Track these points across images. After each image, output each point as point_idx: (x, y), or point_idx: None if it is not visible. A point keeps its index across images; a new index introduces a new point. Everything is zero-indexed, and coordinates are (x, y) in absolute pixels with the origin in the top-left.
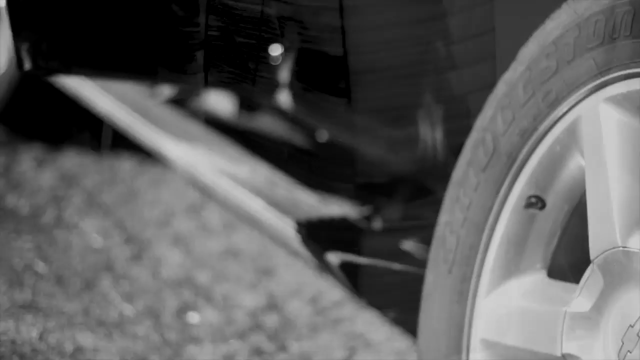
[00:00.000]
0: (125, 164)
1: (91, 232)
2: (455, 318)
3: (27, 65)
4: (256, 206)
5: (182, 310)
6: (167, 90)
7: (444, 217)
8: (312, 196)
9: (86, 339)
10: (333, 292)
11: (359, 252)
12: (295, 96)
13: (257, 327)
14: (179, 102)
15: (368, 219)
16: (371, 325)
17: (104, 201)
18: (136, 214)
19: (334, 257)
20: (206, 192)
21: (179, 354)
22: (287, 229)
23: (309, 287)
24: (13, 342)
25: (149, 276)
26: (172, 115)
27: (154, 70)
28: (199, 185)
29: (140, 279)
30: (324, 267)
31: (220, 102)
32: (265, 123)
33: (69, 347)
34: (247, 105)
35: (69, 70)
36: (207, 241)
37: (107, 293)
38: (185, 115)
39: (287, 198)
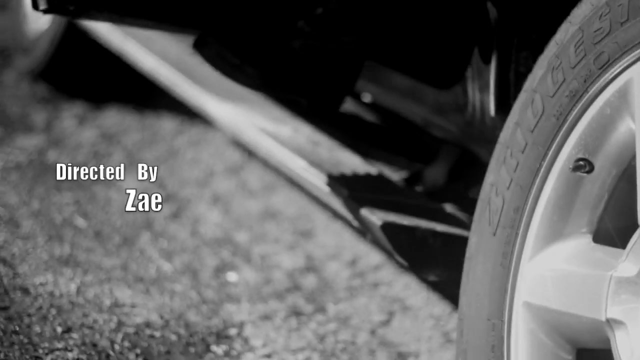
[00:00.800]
0: (166, 124)
1: (131, 189)
2: (498, 281)
3: (42, 5)
4: (298, 166)
5: (220, 269)
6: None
7: (489, 178)
8: (354, 156)
9: (124, 294)
10: (371, 255)
11: (400, 213)
12: None
13: (295, 288)
14: None
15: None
16: (409, 289)
17: (143, 160)
18: (176, 173)
19: (375, 218)
20: (248, 151)
21: (216, 312)
22: (329, 189)
23: (347, 250)
24: (51, 294)
25: (188, 234)
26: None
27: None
28: (241, 144)
29: (179, 237)
30: (365, 227)
31: None
32: None
33: (106, 302)
34: None
35: (87, 13)
36: (246, 201)
37: (145, 250)
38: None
39: (329, 158)
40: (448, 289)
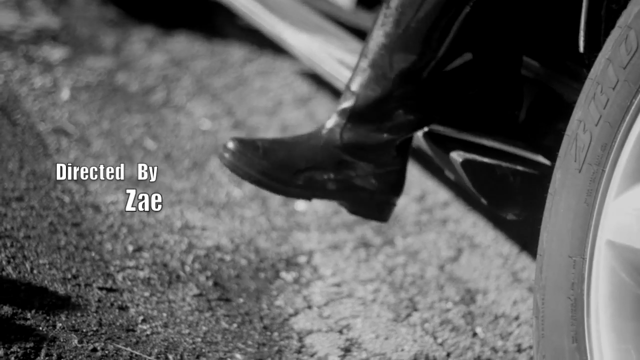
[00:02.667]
0: (234, 52)
1: (199, 114)
2: (581, 218)
3: None
4: None
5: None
6: None
7: (577, 114)
8: None
9: (194, 217)
10: (440, 192)
11: (481, 150)
12: None
13: (363, 220)
14: None
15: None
16: (477, 227)
17: (212, 86)
18: (244, 101)
19: (455, 154)
20: (317, 82)
21: (285, 240)
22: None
23: (415, 185)
24: (122, 214)
25: None
26: (294, 3)
27: None
28: (316, 73)
29: None
30: (445, 163)
31: None
32: None
33: (177, 224)
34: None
35: None
36: None
37: (215, 175)
38: (304, 3)
39: None
40: (515, 228)
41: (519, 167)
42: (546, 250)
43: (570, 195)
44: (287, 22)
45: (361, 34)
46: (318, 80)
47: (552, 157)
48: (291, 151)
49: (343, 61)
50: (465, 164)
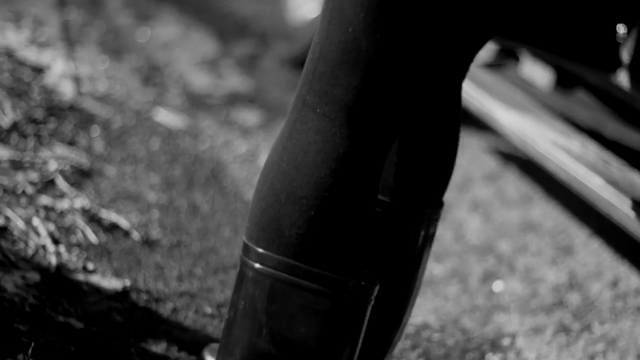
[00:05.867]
0: None
1: None
2: None
3: None
4: (593, 183)
5: (487, 276)
6: (484, 54)
7: None
8: None
9: None
10: (632, 278)
11: None
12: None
13: (560, 303)
14: (495, 67)
15: None
16: None
17: None
18: None
19: None
20: (536, 161)
21: (488, 320)
22: (632, 211)
23: (608, 270)
24: None
25: (452, 238)
26: (497, 81)
27: None
28: (529, 154)
29: (444, 239)
30: None
31: (536, 72)
32: (580, 101)
33: None
34: (564, 79)
35: None
36: (506, 211)
37: None
38: (505, 81)
39: (622, 177)
40: None
41: None
42: None
43: None
44: (498, 100)
45: (560, 115)
46: (505, 157)
47: None
48: None
49: (556, 142)
50: None
